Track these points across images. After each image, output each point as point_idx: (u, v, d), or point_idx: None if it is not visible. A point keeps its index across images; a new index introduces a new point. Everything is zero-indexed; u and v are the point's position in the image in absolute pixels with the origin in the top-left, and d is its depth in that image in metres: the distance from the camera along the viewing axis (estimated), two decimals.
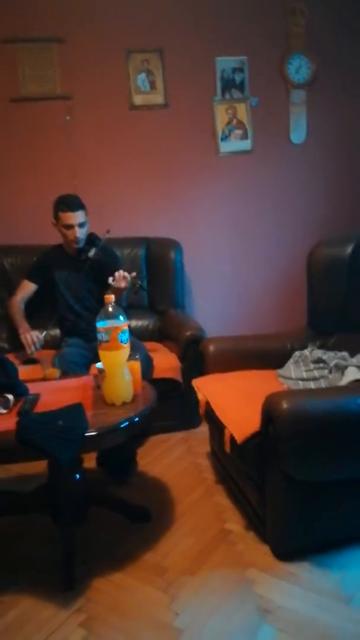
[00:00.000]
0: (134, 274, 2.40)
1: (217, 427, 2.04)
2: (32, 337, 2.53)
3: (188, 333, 2.70)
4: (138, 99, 3.23)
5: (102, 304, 2.25)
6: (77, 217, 2.56)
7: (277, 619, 1.51)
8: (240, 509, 2.03)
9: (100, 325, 1.75)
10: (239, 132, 3.39)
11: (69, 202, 2.58)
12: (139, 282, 2.45)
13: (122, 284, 2.36)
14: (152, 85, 3.24)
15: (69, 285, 2.69)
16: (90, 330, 2.63)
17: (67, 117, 3.14)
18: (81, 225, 2.59)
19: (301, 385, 2.10)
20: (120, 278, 2.36)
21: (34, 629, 1.52)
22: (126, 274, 2.37)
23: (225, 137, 3.37)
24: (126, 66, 3.17)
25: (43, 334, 2.57)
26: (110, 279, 2.36)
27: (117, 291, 2.37)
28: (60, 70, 3.09)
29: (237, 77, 3.34)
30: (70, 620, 1.54)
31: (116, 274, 2.37)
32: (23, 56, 3.04)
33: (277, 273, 3.53)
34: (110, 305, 1.77)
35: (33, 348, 2.52)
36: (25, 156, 3.14)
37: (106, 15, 3.09)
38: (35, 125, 3.11)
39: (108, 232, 2.58)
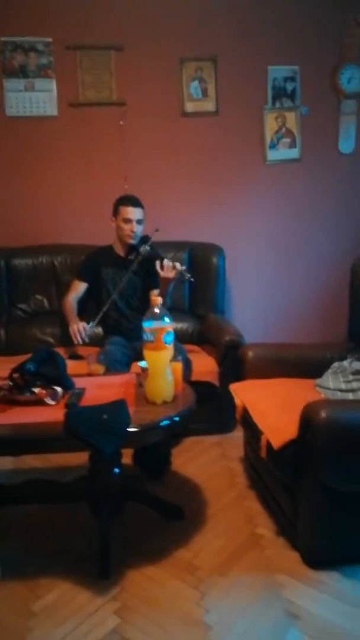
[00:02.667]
0: (183, 267, 2.48)
1: (253, 433, 2.07)
2: (79, 326, 2.62)
3: (227, 338, 2.74)
4: (190, 106, 3.30)
5: (145, 303, 2.32)
6: (137, 213, 2.72)
7: (305, 625, 1.53)
8: (272, 515, 2.05)
9: (146, 325, 1.81)
10: (287, 140, 3.41)
11: (131, 199, 2.76)
12: (187, 274, 2.50)
13: (171, 274, 2.43)
14: (205, 93, 3.30)
15: (116, 284, 2.78)
16: (131, 330, 2.72)
17: (121, 122, 3.24)
18: (139, 222, 2.73)
19: (339, 395, 2.10)
20: (169, 268, 2.43)
21: (70, 612, 1.59)
22: (177, 264, 2.44)
23: (273, 145, 3.40)
24: (180, 74, 3.25)
25: (89, 325, 2.65)
26: (158, 265, 2.43)
27: (165, 281, 2.45)
28: (117, 77, 3.19)
29: (289, 86, 3.37)
30: (105, 607, 1.61)
31: (165, 262, 2.43)
32: (83, 62, 3.16)
33: (319, 283, 3.53)
34: (156, 306, 1.83)
35: (79, 337, 2.61)
36: (79, 159, 3.26)
37: (162, 25, 3.18)
38: (91, 129, 3.23)
39: (157, 230, 2.64)
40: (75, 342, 2.62)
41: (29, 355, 1.93)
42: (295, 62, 3.33)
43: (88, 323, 2.65)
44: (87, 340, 2.64)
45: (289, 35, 3.28)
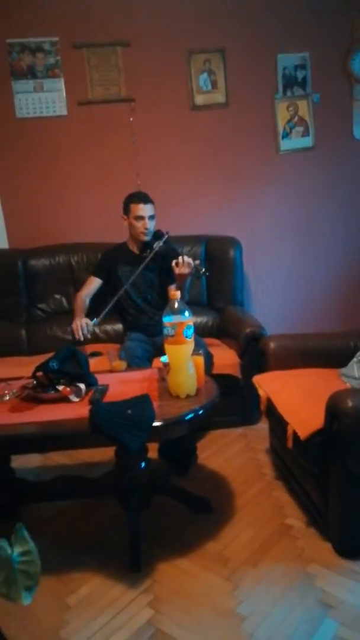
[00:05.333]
0: (197, 261, 2.47)
1: (278, 424, 2.06)
2: (81, 322, 2.63)
3: (248, 330, 2.72)
4: (200, 99, 3.28)
5: (163, 298, 2.31)
6: (148, 209, 2.72)
7: (339, 614, 1.52)
8: (301, 505, 2.04)
9: (166, 320, 1.81)
10: (300, 129, 3.37)
11: (141, 196, 2.75)
12: (202, 269, 2.49)
13: (186, 270, 2.43)
14: (214, 85, 3.28)
15: (132, 280, 2.79)
16: (151, 325, 2.73)
17: (131, 119, 3.23)
18: (151, 217, 2.73)
19: None
20: (184, 264, 2.42)
21: (105, 605, 1.61)
22: (190, 260, 2.44)
23: (286, 135, 3.37)
24: (188, 67, 3.23)
25: (93, 322, 2.65)
26: (174, 263, 2.42)
27: (180, 277, 2.45)
28: (125, 73, 3.19)
29: (299, 74, 3.32)
30: (138, 600, 1.62)
31: (180, 258, 2.43)
32: (91, 60, 3.16)
33: (338, 270, 3.49)
34: (176, 301, 1.83)
35: (80, 333, 2.60)
36: (91, 157, 3.26)
37: (168, 18, 3.16)
38: (101, 127, 3.23)
39: (167, 233, 2.65)
40: (77, 337, 2.61)
41: (51, 354, 1.95)
42: (305, 50, 3.29)
43: (92, 320, 2.65)
44: (89, 337, 2.63)
45: (297, 22, 3.23)
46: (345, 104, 3.36)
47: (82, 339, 2.61)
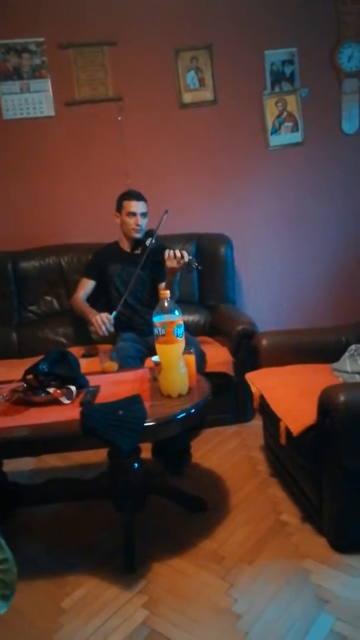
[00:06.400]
0: (190, 256, 2.44)
1: (271, 420, 2.06)
2: (102, 317, 2.59)
3: (240, 327, 2.72)
4: (187, 97, 3.27)
5: (154, 297, 2.29)
6: (141, 206, 2.73)
7: (335, 609, 1.52)
8: (296, 502, 2.04)
9: (156, 319, 1.81)
10: (289, 124, 3.36)
11: (134, 193, 2.77)
12: (195, 262, 2.45)
13: (177, 264, 2.39)
14: (201, 83, 3.26)
15: (124, 279, 2.78)
16: (143, 324, 2.72)
17: (119, 118, 3.22)
18: (143, 215, 2.74)
19: (357, 378, 2.07)
20: (176, 257, 2.38)
21: (99, 607, 1.60)
22: (184, 252, 2.41)
23: (275, 130, 3.36)
24: (175, 65, 3.22)
25: (112, 314, 2.61)
26: (166, 254, 2.40)
27: (171, 271, 2.45)
28: (112, 73, 3.17)
29: (287, 70, 3.32)
30: (133, 601, 1.61)
31: (172, 252, 2.39)
32: (77, 60, 3.14)
33: (329, 266, 3.49)
34: (166, 300, 1.82)
35: (104, 328, 2.57)
36: (80, 158, 3.25)
37: (154, 16, 3.14)
38: (88, 127, 3.21)
39: (167, 212, 2.58)
40: (101, 333, 2.58)
41: (42, 357, 1.93)
42: (292, 45, 3.27)
43: (111, 313, 2.62)
44: (112, 330, 2.59)
45: (284, 17, 3.22)
46: (334, 99, 3.36)
47: (107, 334, 2.58)
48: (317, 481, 1.79)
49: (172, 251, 2.41)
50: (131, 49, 3.15)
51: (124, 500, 1.80)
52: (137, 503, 1.86)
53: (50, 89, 3.15)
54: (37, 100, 3.16)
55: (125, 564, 1.74)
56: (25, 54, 3.11)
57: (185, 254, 2.42)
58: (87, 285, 2.87)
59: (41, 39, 3.10)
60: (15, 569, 0.97)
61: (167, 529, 1.96)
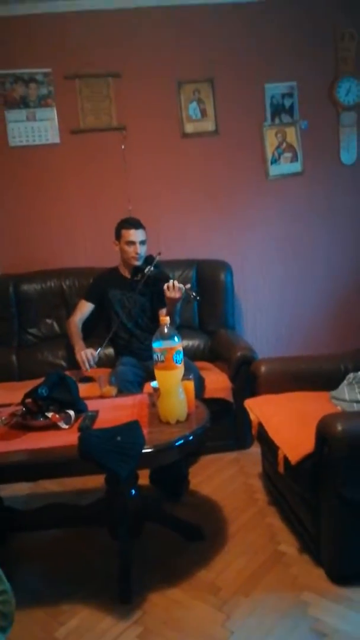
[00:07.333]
0: (188, 285, 2.50)
1: (270, 448, 2.05)
2: (86, 354, 2.66)
3: (239, 353, 2.73)
4: (189, 127, 3.35)
5: (155, 322, 2.32)
6: (139, 234, 2.76)
7: None
8: (294, 531, 2.02)
9: (156, 345, 1.82)
10: (288, 155, 3.44)
11: (132, 221, 2.80)
12: (193, 293, 2.53)
13: (177, 295, 2.45)
14: (203, 113, 3.35)
15: (123, 304, 2.81)
16: (143, 349, 2.73)
17: (122, 146, 3.29)
18: (142, 243, 2.77)
19: (355, 407, 2.08)
20: (174, 288, 2.44)
21: (94, 638, 1.57)
22: (180, 285, 2.46)
23: (275, 161, 3.43)
24: (178, 96, 3.31)
25: (97, 352, 2.69)
26: (165, 286, 2.45)
27: (171, 301, 2.48)
28: (116, 103, 3.26)
29: (287, 102, 3.41)
30: (127, 632, 1.58)
31: (170, 282, 2.46)
32: (82, 91, 3.23)
33: (328, 293, 3.52)
34: (165, 326, 1.84)
35: (87, 365, 2.65)
36: (83, 184, 3.31)
37: (158, 50, 3.24)
38: (92, 155, 3.28)
39: (159, 254, 2.70)
40: (84, 369, 2.66)
41: (41, 380, 1.94)
42: (292, 78, 3.37)
43: (96, 350, 2.69)
44: (95, 366, 2.69)
45: (284, 51, 3.32)
46: (332, 131, 3.44)
47: (89, 370, 2.66)
48: (315, 510, 1.77)
49: (170, 282, 2.45)
50: (135, 80, 3.25)
51: (121, 527, 1.79)
52: (133, 530, 1.85)
53: (56, 118, 3.23)
54: (43, 128, 3.24)
55: (121, 593, 1.72)
56: (32, 83, 3.20)
57: (182, 285, 2.45)
58: (85, 309, 2.90)
59: (48, 70, 3.19)
60: (13, 601, 0.96)
61: (164, 558, 1.93)
